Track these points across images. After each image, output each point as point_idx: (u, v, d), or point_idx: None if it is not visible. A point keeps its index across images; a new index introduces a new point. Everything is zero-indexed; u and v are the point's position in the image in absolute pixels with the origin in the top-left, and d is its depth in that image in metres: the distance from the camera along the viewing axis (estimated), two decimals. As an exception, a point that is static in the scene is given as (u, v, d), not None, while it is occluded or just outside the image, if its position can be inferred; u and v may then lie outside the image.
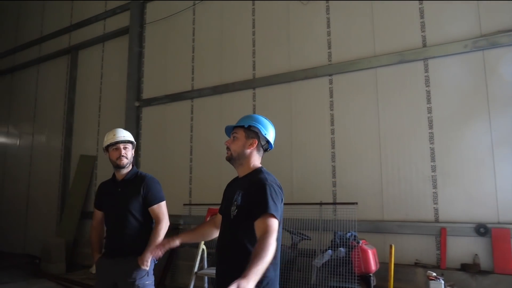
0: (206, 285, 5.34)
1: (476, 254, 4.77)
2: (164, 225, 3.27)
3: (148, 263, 3.13)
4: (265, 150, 2.45)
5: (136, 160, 8.15)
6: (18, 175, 11.06)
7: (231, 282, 1.73)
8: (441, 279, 4.19)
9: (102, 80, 9.47)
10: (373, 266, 4.46)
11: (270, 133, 2.41)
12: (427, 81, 5.37)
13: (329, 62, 6.16)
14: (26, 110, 11.20)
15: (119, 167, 3.29)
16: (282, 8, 6.75)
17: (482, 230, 4.74)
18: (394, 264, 4.40)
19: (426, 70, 5.39)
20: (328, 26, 6.23)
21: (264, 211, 2.07)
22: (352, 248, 4.57)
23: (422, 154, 5.29)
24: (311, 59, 6.33)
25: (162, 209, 3.31)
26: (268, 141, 2.42)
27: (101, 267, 3.27)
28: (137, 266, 3.10)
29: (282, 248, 4.99)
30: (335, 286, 4.57)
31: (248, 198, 2.20)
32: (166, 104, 8.09)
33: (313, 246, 5.36)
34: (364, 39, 5.92)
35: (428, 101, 5.32)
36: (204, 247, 5.31)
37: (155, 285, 3.29)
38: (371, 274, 4.46)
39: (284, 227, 5.57)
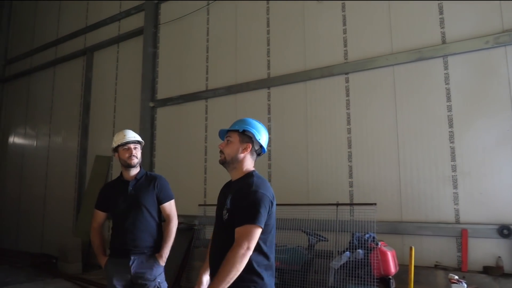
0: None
1: (499, 257, 4.61)
2: (176, 222, 3.46)
3: (165, 260, 3.31)
4: (258, 155, 2.46)
5: (150, 161, 8.17)
6: (36, 175, 11.20)
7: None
8: (463, 282, 4.06)
9: (117, 81, 9.52)
10: (392, 268, 4.35)
11: (263, 138, 2.42)
12: (446, 79, 5.23)
13: (345, 60, 6.06)
14: (43, 112, 11.35)
15: (130, 166, 3.37)
16: (297, 6, 6.67)
17: (505, 231, 4.59)
18: (414, 266, 4.28)
19: (446, 68, 5.25)
20: (344, 24, 6.13)
21: (243, 220, 2.12)
22: (370, 250, 4.47)
23: (442, 154, 5.16)
24: (326, 57, 6.24)
25: (173, 206, 3.48)
26: (261, 146, 2.43)
27: (115, 267, 3.28)
28: (157, 263, 3.26)
29: (298, 249, 4.96)
30: (354, 289, 4.48)
31: (234, 203, 2.23)
32: (181, 105, 8.08)
33: (329, 248, 5.27)
34: (381, 36, 5.80)
35: (448, 99, 5.18)
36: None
37: (171, 285, 3.33)
38: (390, 277, 4.36)
39: (301, 228, 5.51)
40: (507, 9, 4.92)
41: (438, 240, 5.05)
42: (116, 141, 3.40)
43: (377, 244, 4.50)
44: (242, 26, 7.38)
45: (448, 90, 5.20)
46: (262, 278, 2.18)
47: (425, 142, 5.29)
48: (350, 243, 4.80)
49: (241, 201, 2.19)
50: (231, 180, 2.46)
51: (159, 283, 3.27)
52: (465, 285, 4.06)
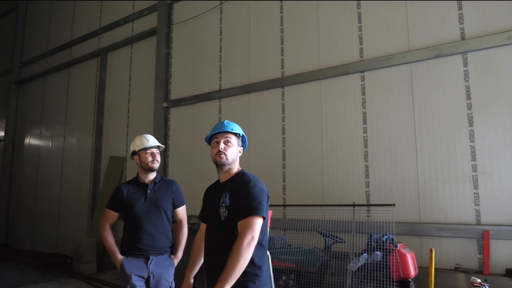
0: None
1: (523, 259, 4.48)
2: (187, 225, 3.66)
3: (178, 261, 3.51)
4: None
5: (164, 161, 8.16)
6: (51, 176, 11.31)
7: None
8: (486, 286, 3.92)
9: (130, 82, 9.54)
10: (412, 271, 4.24)
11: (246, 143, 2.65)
12: (466, 76, 5.09)
13: (361, 59, 5.95)
14: (58, 113, 11.46)
15: (151, 170, 3.49)
16: (311, 3, 6.59)
17: (529, 233, 4.44)
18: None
19: (465, 64, 5.11)
20: (360, 21, 6.03)
21: (246, 213, 2.21)
22: (389, 252, 4.36)
23: (462, 153, 5.02)
24: (341, 55, 6.14)
25: (185, 211, 3.68)
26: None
27: (133, 265, 3.34)
28: (172, 264, 3.45)
29: (314, 251, 4.87)
30: (372, 291, 4.37)
31: (235, 198, 2.31)
32: (194, 105, 8.05)
33: (346, 249, 5.17)
34: (397, 33, 5.68)
35: (468, 97, 5.05)
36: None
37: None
38: (410, 280, 4.24)
39: (316, 229, 5.42)
40: (530, 3, 4.77)
41: (458, 241, 4.93)
42: (139, 145, 3.51)
43: (396, 246, 4.39)
44: (256, 25, 7.32)
45: (467, 87, 5.06)
46: (262, 270, 2.28)
47: (444, 141, 5.16)
48: (367, 244, 4.69)
49: (242, 196, 2.28)
50: (217, 182, 2.56)
51: (171, 282, 3.43)
52: (488, 289, 3.93)
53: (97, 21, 10.59)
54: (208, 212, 2.51)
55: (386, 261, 4.33)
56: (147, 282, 3.34)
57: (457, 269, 4.78)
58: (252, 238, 2.14)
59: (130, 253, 3.38)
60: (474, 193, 4.91)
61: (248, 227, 2.17)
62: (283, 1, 6.95)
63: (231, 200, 2.32)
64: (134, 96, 9.42)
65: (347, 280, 4.54)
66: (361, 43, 5.99)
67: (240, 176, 2.44)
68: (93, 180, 9.81)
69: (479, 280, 3.97)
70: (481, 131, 4.93)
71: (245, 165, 6.51)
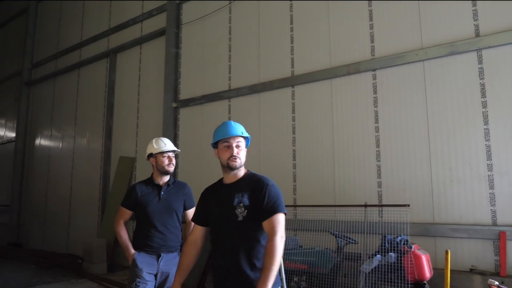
0: None
1: (541, 261, 4.37)
2: None
3: None
4: None
5: (174, 161, 8.12)
6: (61, 176, 11.36)
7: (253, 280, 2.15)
8: (504, 288, 3.83)
9: (139, 82, 9.54)
10: (427, 273, 4.14)
11: None
12: (481, 73, 4.99)
13: (372, 57, 5.87)
14: (68, 114, 11.52)
15: (167, 173, 3.68)
16: (321, 2, 6.51)
17: (547, 234, 4.33)
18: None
19: (480, 62, 5.00)
20: (371, 19, 5.94)
21: (272, 211, 2.26)
22: (403, 253, 4.27)
23: (477, 152, 4.91)
24: (353, 54, 6.06)
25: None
26: None
27: (145, 260, 3.51)
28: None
29: (326, 252, 4.81)
30: (386, 293, 4.29)
31: (255, 198, 2.33)
32: (204, 105, 8.02)
33: (358, 250, 5.09)
34: (409, 30, 5.59)
35: (483, 94, 4.94)
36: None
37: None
38: (425, 282, 4.15)
39: (329, 229, 5.35)
40: (547, -2, 4.65)
41: (474, 243, 4.82)
42: (157, 148, 3.65)
43: (410, 247, 4.30)
44: (265, 24, 7.26)
45: (483, 85, 4.96)
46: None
47: (459, 140, 5.06)
48: (381, 245, 4.61)
49: (263, 195, 2.32)
50: (220, 183, 2.57)
51: None
52: (506, 291, 3.83)
53: (107, 22, 10.61)
54: (216, 214, 2.48)
55: (401, 263, 4.25)
56: (155, 277, 3.53)
57: (472, 270, 4.68)
58: (282, 235, 2.21)
59: (142, 249, 3.56)
60: (489, 193, 4.80)
61: (277, 224, 2.23)
62: (293, 0, 6.89)
63: (251, 200, 2.34)
64: (143, 97, 9.42)
65: (360, 282, 4.46)
66: (372, 41, 5.91)
67: (252, 176, 2.49)
68: (103, 181, 9.84)
69: (496, 283, 3.86)
70: (497, 130, 4.82)
71: (255, 165, 6.52)
